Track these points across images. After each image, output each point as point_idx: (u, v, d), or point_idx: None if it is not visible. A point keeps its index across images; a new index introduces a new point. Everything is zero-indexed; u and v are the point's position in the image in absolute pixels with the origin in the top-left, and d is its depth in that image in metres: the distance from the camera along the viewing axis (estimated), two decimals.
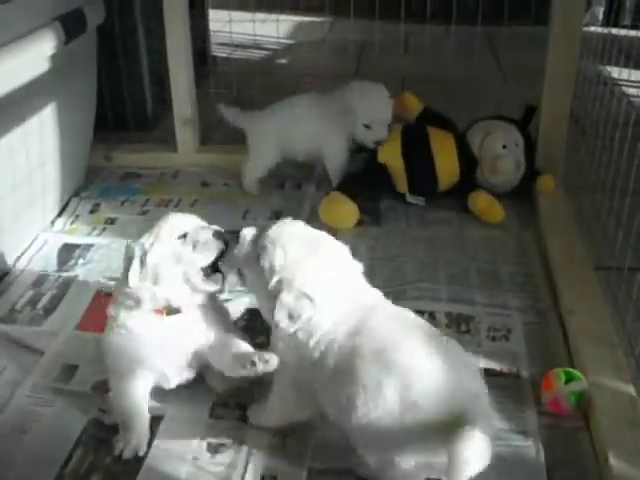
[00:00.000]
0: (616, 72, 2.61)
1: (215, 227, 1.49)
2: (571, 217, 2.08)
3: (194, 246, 1.44)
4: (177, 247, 1.44)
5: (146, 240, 1.45)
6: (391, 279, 1.86)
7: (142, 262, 1.43)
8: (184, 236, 1.45)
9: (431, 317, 1.72)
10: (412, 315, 1.37)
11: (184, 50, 2.33)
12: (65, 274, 1.93)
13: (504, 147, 2.16)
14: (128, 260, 1.43)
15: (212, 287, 1.46)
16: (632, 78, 2.77)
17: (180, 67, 2.35)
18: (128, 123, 2.65)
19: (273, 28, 3.49)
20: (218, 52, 3.52)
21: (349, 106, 2.16)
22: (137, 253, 1.43)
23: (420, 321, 1.37)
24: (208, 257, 1.45)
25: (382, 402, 1.21)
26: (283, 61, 3.55)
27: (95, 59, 2.32)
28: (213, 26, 3.45)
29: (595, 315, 1.67)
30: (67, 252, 2.03)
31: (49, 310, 1.79)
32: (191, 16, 2.40)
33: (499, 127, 2.20)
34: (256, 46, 3.57)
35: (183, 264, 1.43)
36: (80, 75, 2.22)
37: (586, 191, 2.14)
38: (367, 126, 2.16)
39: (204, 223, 1.50)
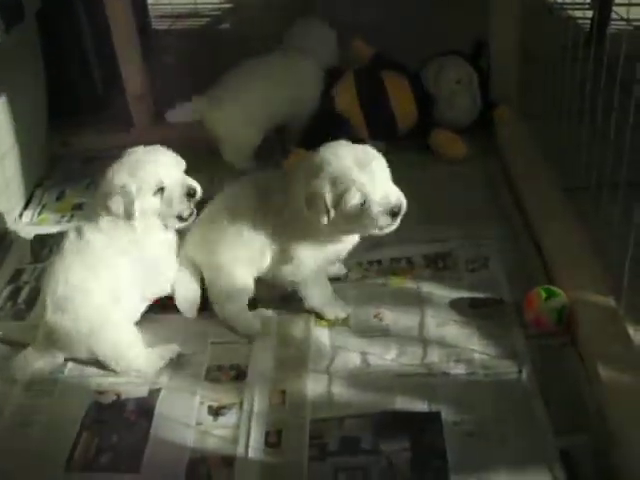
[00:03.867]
0: None
1: (190, 182, 1.62)
2: (533, 144, 2.11)
3: (169, 203, 1.60)
4: (155, 203, 1.59)
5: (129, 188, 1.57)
6: None
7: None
8: (161, 190, 1.59)
9: (408, 262, 1.76)
10: None
11: (128, 25, 2.31)
12: (40, 265, 1.92)
13: (458, 82, 2.18)
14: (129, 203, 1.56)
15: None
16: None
17: (126, 43, 2.32)
18: (80, 106, 2.61)
19: None
20: (158, 25, 3.47)
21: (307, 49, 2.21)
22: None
23: None
24: (182, 211, 1.62)
25: None
26: (226, 26, 3.50)
27: (38, 46, 2.28)
28: None
29: (567, 233, 1.71)
30: (39, 243, 2.02)
31: (30, 303, 1.79)
32: None
33: (451, 63, 2.21)
34: (196, 14, 3.53)
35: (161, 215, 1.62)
36: (25, 64, 2.20)
37: (544, 117, 2.17)
38: None
39: (180, 172, 1.64)
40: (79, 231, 1.60)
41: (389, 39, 2.42)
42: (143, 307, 1.67)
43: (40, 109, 2.32)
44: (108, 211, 1.57)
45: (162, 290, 1.67)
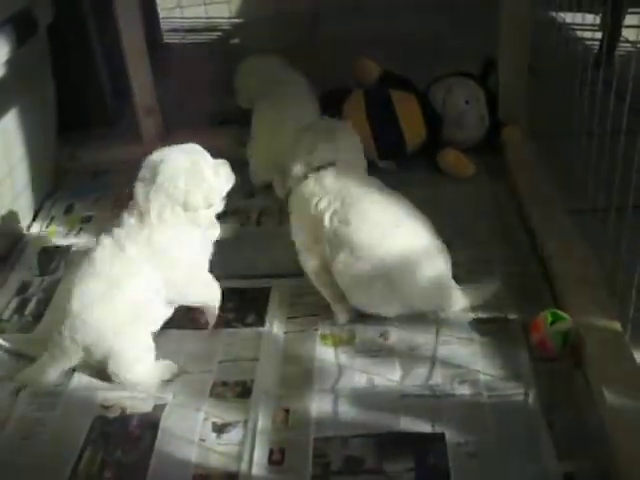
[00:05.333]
0: (569, 17, 2.63)
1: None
2: (541, 164, 2.11)
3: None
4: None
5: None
6: None
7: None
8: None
9: None
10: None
11: (139, 39, 2.32)
12: (48, 278, 1.93)
13: (467, 102, 2.19)
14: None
15: None
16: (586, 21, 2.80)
17: (136, 57, 2.33)
18: (90, 120, 2.62)
19: (224, 9, 3.48)
20: (169, 39, 3.49)
21: None
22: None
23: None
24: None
25: None
26: (236, 41, 3.52)
27: (49, 59, 2.29)
28: (161, 12, 3.42)
29: (575, 258, 1.71)
30: (47, 256, 2.02)
31: (37, 316, 1.79)
32: None
33: (460, 83, 2.23)
34: (208, 29, 3.55)
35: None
36: (36, 76, 2.21)
37: (552, 137, 2.17)
38: None
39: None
40: (112, 237, 1.58)
41: (397, 56, 2.43)
42: (168, 314, 1.66)
43: (50, 122, 2.33)
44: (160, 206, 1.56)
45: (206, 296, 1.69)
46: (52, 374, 1.57)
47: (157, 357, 1.60)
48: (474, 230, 1.93)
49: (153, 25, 3.19)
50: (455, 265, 1.76)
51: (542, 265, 1.76)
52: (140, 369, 1.57)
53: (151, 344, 1.60)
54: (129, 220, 1.58)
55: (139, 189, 1.58)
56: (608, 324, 1.50)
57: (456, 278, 1.67)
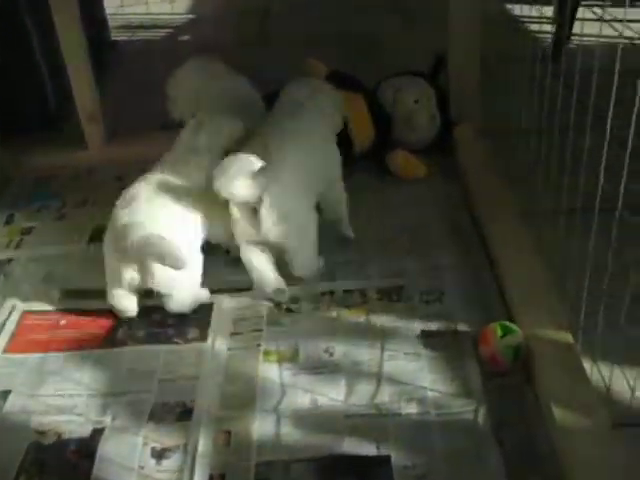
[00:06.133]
0: (517, 10, 2.60)
1: None
2: (493, 164, 2.07)
3: None
4: None
5: None
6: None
7: None
8: None
9: (362, 294, 1.71)
10: None
11: (78, 42, 2.23)
12: None
13: (416, 102, 2.13)
14: None
15: None
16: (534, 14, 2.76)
17: (77, 61, 2.25)
18: (31, 123, 2.54)
19: (169, 6, 3.39)
20: (118, 36, 3.40)
21: None
22: None
23: None
24: None
25: None
26: (185, 38, 3.44)
27: None
28: (108, 9, 3.32)
29: (525, 264, 1.66)
30: None
31: None
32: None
33: (409, 82, 2.17)
34: (155, 26, 3.46)
35: None
36: None
37: (505, 135, 2.12)
38: None
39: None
40: None
41: (346, 56, 2.37)
42: None
43: None
44: None
45: None
46: None
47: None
48: (424, 237, 1.87)
49: (99, 21, 3.09)
50: (405, 273, 1.73)
51: (493, 271, 1.71)
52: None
53: None
54: None
55: None
56: (559, 335, 1.46)
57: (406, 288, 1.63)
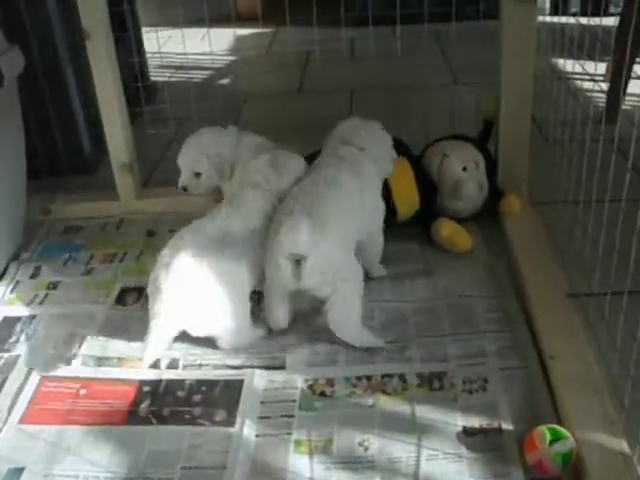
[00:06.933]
0: (570, 65, 2.50)
1: None
2: (542, 237, 1.96)
3: None
4: None
5: None
6: None
7: None
8: None
9: (401, 380, 1.60)
10: None
11: (114, 91, 2.16)
12: (6, 355, 1.77)
13: (464, 169, 2.02)
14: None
15: None
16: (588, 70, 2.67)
17: (112, 110, 2.18)
18: (63, 168, 2.49)
19: (214, 45, 3.33)
20: (157, 76, 3.35)
21: None
22: None
23: None
24: None
25: None
26: (225, 81, 3.39)
27: (19, 109, 2.15)
28: (149, 48, 3.27)
29: (578, 358, 1.54)
30: (8, 326, 1.87)
31: None
32: (123, 40, 2.27)
33: (456, 148, 2.06)
34: (197, 66, 3.41)
35: None
36: (4, 129, 2.05)
37: (553, 205, 2.03)
38: None
39: None
40: None
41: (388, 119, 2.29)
42: None
43: (19, 176, 2.18)
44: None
45: None
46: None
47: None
48: (469, 317, 1.76)
49: (139, 62, 3.04)
50: (447, 358, 1.63)
51: (541, 363, 1.60)
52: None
53: None
54: None
55: None
56: (612, 443, 1.35)
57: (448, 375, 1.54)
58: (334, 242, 1.62)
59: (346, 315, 1.67)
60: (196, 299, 1.63)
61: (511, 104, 2.04)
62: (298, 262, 1.58)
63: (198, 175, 2.03)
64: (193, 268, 1.62)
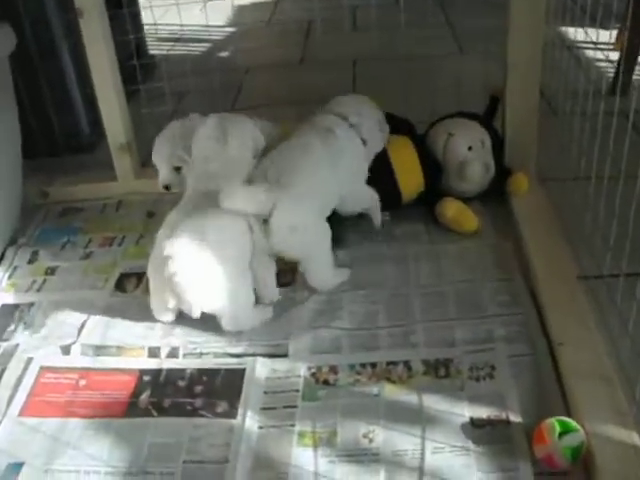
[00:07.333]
0: (581, 34, 2.44)
1: None
2: (551, 217, 1.90)
3: None
4: None
5: None
6: (363, 322, 1.70)
7: None
8: None
9: (406, 367, 1.56)
10: None
11: (110, 70, 2.11)
12: (5, 344, 1.74)
13: (470, 149, 1.96)
14: None
15: None
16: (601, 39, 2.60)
17: (108, 89, 2.13)
18: (61, 149, 2.45)
19: (213, 17, 3.28)
20: (156, 49, 3.27)
21: None
22: None
23: None
24: None
25: None
26: (225, 54, 3.32)
27: (11, 89, 2.09)
28: (147, 19, 3.19)
29: (588, 345, 1.50)
30: (6, 315, 1.84)
31: None
32: (119, 16, 2.26)
33: (462, 127, 1.99)
34: (196, 39, 3.34)
35: None
36: None
37: (562, 181, 1.97)
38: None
39: None
40: None
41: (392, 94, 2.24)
42: None
43: (14, 158, 2.13)
44: None
45: None
46: None
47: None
48: (475, 300, 1.72)
49: (137, 38, 2.97)
50: (453, 343, 1.59)
51: (550, 350, 1.55)
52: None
53: None
54: None
55: None
56: (623, 435, 1.31)
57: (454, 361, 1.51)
58: (298, 202, 1.68)
59: (318, 272, 1.78)
60: (200, 276, 1.62)
61: (518, 80, 1.97)
62: (266, 221, 1.64)
63: (178, 169, 1.92)
64: (195, 247, 1.61)
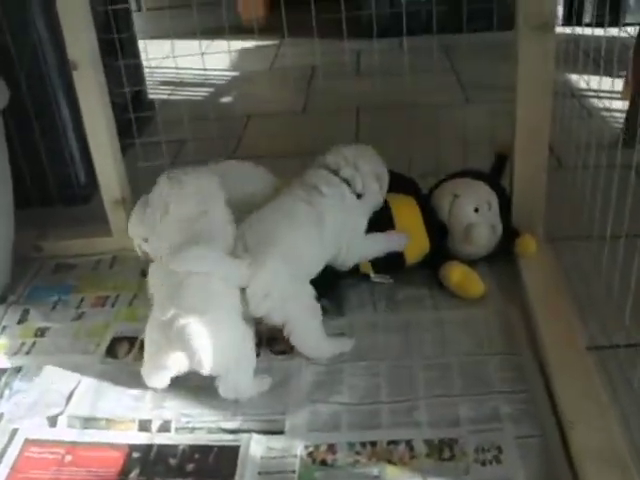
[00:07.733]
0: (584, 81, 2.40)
1: None
2: (559, 281, 1.83)
3: None
4: None
5: None
6: (364, 396, 1.61)
7: None
8: None
9: (409, 447, 1.47)
10: None
11: (104, 124, 2.04)
12: None
13: (476, 211, 1.90)
14: None
15: None
16: (604, 87, 2.55)
17: (102, 143, 2.06)
18: (54, 199, 2.40)
19: (215, 60, 3.23)
20: (155, 94, 3.22)
21: None
22: None
23: None
24: None
25: None
26: (227, 99, 3.27)
27: (3, 142, 2.03)
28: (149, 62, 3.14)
29: (600, 425, 1.42)
30: None
31: None
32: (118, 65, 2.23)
33: (467, 187, 1.93)
34: (200, 83, 3.29)
35: None
36: None
37: (570, 242, 1.91)
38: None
39: None
40: None
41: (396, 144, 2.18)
42: None
43: (5, 213, 2.06)
44: None
45: None
46: None
47: None
48: (481, 371, 1.64)
49: (136, 79, 2.93)
50: (458, 422, 1.51)
51: (560, 429, 1.47)
52: None
53: None
54: None
55: None
56: None
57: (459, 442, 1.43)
58: (276, 271, 1.64)
59: (305, 339, 1.71)
60: (209, 328, 1.55)
61: (526, 137, 1.90)
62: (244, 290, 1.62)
63: None
64: (203, 300, 1.57)
